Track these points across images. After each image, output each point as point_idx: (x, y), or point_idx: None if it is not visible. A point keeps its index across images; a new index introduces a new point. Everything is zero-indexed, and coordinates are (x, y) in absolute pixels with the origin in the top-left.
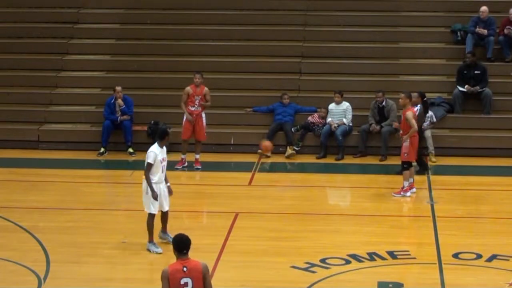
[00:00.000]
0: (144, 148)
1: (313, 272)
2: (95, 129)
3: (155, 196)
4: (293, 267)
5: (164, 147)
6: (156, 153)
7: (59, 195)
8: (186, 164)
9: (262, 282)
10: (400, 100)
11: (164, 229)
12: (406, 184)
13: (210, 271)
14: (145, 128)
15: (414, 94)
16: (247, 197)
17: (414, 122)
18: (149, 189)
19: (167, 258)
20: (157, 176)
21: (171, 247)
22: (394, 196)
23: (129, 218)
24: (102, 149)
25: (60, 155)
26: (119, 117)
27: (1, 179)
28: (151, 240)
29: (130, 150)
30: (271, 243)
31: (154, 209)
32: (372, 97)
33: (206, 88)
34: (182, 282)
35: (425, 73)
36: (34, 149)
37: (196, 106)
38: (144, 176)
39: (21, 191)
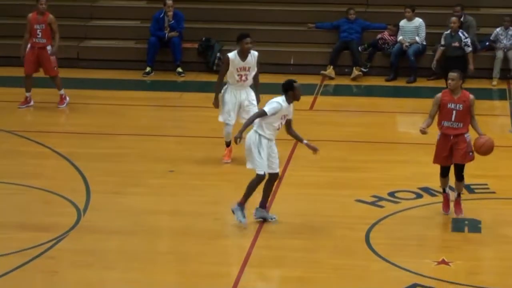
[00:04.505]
0: (194, 67)
1: (381, 206)
2: (140, 46)
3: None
4: (358, 200)
5: (292, 104)
6: (281, 105)
7: (100, 119)
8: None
9: (324, 216)
10: None
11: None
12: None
13: (267, 204)
14: (196, 45)
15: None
16: (308, 123)
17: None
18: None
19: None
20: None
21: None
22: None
23: (178, 145)
24: (148, 69)
25: (101, 75)
26: (167, 34)
27: (36, 100)
28: (242, 203)
29: (179, 69)
30: (334, 174)
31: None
32: (449, 12)
33: None
34: None
35: None
36: (73, 67)
37: None
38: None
39: (58, 114)
